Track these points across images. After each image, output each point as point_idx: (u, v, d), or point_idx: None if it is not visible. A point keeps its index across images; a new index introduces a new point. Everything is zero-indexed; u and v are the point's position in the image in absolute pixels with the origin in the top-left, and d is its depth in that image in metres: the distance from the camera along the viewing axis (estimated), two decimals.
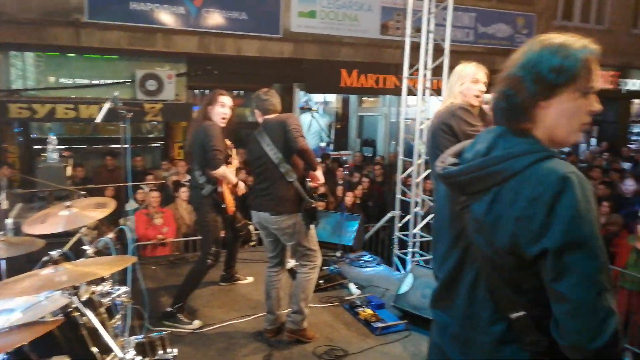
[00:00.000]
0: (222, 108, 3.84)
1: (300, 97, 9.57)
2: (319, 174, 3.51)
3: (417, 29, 6.00)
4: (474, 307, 1.35)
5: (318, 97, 10.96)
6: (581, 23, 12.35)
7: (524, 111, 1.26)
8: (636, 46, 12.86)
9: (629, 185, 7.30)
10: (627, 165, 10.21)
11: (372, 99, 11.77)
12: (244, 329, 3.81)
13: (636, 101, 13.99)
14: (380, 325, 3.78)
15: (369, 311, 3.99)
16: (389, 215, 6.35)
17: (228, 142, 4.21)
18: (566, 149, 13.25)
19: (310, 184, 3.47)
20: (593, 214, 1.15)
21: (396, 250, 6.14)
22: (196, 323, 3.77)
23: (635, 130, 14.29)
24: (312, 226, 3.45)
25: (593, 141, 13.65)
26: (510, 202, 1.20)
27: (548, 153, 1.22)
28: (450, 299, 1.42)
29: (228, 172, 3.81)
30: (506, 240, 1.21)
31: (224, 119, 3.85)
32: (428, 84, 5.95)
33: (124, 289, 2.50)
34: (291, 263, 4.18)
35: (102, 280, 2.48)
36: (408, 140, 6.16)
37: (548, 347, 1.23)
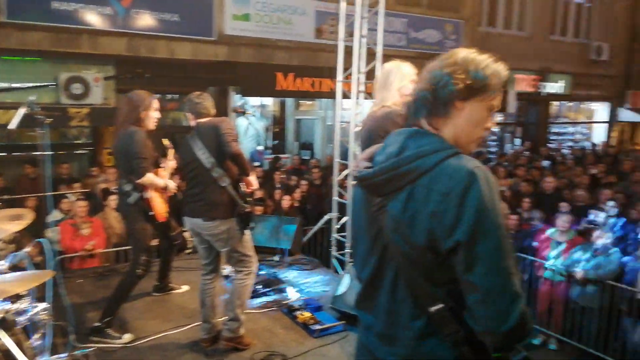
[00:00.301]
0: (156, 112, 3.75)
1: (236, 100, 9.46)
2: (253, 178, 3.48)
3: (350, 33, 6.09)
4: (395, 305, 1.39)
5: (255, 101, 10.88)
6: (504, 30, 13.06)
7: (444, 106, 1.35)
8: (554, 51, 13.75)
9: (549, 182, 7.77)
10: (546, 163, 10.87)
11: (309, 102, 11.83)
12: (179, 339, 3.69)
13: (555, 103, 14.94)
14: (318, 327, 3.80)
15: (307, 314, 3.99)
16: (326, 217, 6.40)
17: (166, 141, 4.09)
18: (493, 149, 13.98)
19: (244, 188, 3.43)
20: (497, 205, 1.23)
21: (334, 252, 6.19)
22: (127, 337, 3.61)
23: (554, 130, 15.27)
24: (246, 231, 3.41)
25: (517, 141, 14.45)
26: (424, 199, 1.26)
27: (455, 150, 1.31)
28: (373, 299, 1.46)
29: (155, 178, 3.67)
30: (423, 237, 1.27)
31: (156, 123, 3.77)
32: (362, 88, 6.06)
33: (43, 305, 2.34)
34: (227, 270, 4.12)
35: (18, 297, 2.32)
36: (344, 143, 6.23)
37: (465, 336, 1.30)
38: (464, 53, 1.37)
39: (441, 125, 1.36)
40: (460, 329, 1.30)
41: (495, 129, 14.48)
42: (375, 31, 6.06)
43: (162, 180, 3.80)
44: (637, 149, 13.74)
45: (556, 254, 5.82)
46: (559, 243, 5.82)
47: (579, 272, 5.40)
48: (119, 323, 3.78)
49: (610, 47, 14.57)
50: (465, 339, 1.30)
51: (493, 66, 1.37)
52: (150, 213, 3.68)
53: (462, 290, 1.26)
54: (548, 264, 5.85)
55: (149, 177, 3.57)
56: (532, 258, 6.04)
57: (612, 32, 14.94)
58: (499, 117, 13.98)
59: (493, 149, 14.17)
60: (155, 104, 3.73)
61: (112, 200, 5.65)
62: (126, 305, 3.91)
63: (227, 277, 4.25)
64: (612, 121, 15.96)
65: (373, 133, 2.98)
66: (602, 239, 5.45)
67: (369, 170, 1.39)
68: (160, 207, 3.77)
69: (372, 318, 1.47)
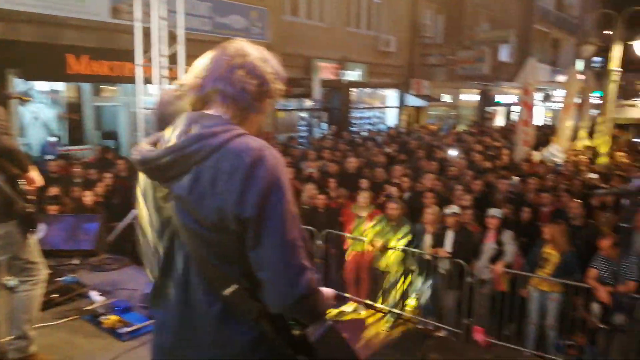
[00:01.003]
0: None
1: (17, 85, 8.16)
2: (35, 174, 3.03)
3: (149, 14, 5.71)
4: (188, 294, 1.35)
5: (43, 86, 9.54)
6: (307, 20, 13.73)
7: (257, 101, 1.37)
8: (351, 42, 14.98)
9: (351, 162, 8.47)
10: (349, 145, 11.83)
11: (112, 88, 10.84)
12: None
13: (354, 90, 16.31)
14: (127, 329, 3.53)
15: (114, 317, 3.68)
16: (135, 210, 5.97)
17: None
18: (304, 134, 14.70)
19: (25, 186, 2.97)
20: (284, 181, 1.27)
21: None
22: None
23: (355, 115, 16.70)
24: (30, 235, 2.97)
25: (324, 125, 15.44)
26: (212, 178, 1.25)
27: (241, 131, 1.31)
28: (165, 292, 1.40)
29: None
30: (212, 216, 1.25)
31: None
32: (165, 72, 5.76)
33: None
34: (12, 281, 3.54)
35: None
36: (150, 131, 5.86)
37: (263, 311, 1.32)
38: (266, 53, 1.41)
39: (240, 116, 1.37)
40: (257, 305, 1.32)
41: (305, 114, 15.26)
42: (176, 13, 5.80)
43: None
44: (421, 130, 15.84)
45: (358, 227, 6.39)
46: (361, 217, 6.40)
47: (377, 241, 6.01)
48: None
49: (396, 40, 16.44)
50: (264, 314, 1.32)
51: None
52: None
53: (252, 265, 1.27)
54: (353, 236, 6.40)
55: None
56: (339, 232, 6.54)
57: (397, 26, 16.88)
58: (307, 103, 14.74)
59: (303, 134, 14.92)
60: None
61: None
62: None
63: (12, 289, 3.67)
64: (401, 106, 18.13)
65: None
66: (395, 210, 6.14)
67: (152, 153, 1.32)
68: None
69: (166, 314, 1.41)
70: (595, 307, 4.88)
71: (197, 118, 1.35)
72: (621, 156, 11.40)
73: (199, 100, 1.38)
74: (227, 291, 1.30)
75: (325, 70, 13.94)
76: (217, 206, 1.24)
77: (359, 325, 6.15)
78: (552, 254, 5.22)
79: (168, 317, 1.40)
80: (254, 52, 1.38)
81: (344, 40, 14.72)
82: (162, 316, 1.43)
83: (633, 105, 19.21)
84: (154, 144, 1.38)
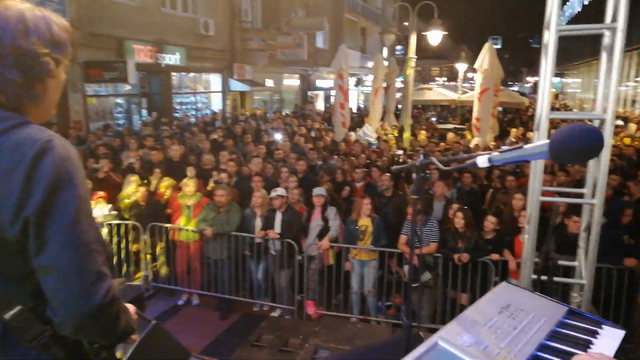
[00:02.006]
0: None
1: None
2: None
3: None
4: None
5: None
6: None
7: (36, 84, 1.15)
8: (168, 24, 14.22)
9: (175, 150, 8.11)
10: (172, 131, 11.34)
11: None
12: None
13: (175, 74, 15.61)
14: None
15: None
16: None
17: None
18: (121, 122, 13.63)
19: None
20: (76, 175, 1.12)
21: None
22: None
23: (178, 100, 16.05)
24: None
25: (144, 112, 14.50)
26: None
27: (21, 120, 1.13)
28: None
29: None
30: None
31: None
32: None
33: None
34: None
35: None
36: None
37: (55, 335, 1.17)
38: (32, 14, 1.14)
39: (15, 104, 1.14)
40: (47, 328, 1.16)
41: (121, 100, 14.14)
42: None
43: None
44: (246, 114, 15.94)
45: (188, 218, 6.19)
46: (189, 207, 6.20)
47: (207, 229, 5.90)
48: None
49: (215, 23, 16.11)
50: (56, 338, 1.18)
51: (64, 22, 1.22)
52: None
53: (38, 278, 1.11)
54: (182, 227, 6.19)
55: None
56: (167, 225, 6.26)
57: (215, 10, 16.54)
58: (124, 88, 13.66)
59: (121, 121, 13.83)
60: None
61: None
62: None
63: None
64: (225, 90, 17.95)
65: None
66: (224, 196, 6.08)
67: None
68: None
69: None
70: (407, 268, 5.52)
71: None
72: (422, 134, 12.99)
73: None
74: (9, 314, 1.13)
75: (140, 53, 13.03)
76: None
77: (193, 316, 6.01)
78: (367, 226, 5.73)
79: None
80: (13, 22, 1.10)
81: (160, 21, 13.91)
82: None
83: (430, 89, 21.98)
84: None
